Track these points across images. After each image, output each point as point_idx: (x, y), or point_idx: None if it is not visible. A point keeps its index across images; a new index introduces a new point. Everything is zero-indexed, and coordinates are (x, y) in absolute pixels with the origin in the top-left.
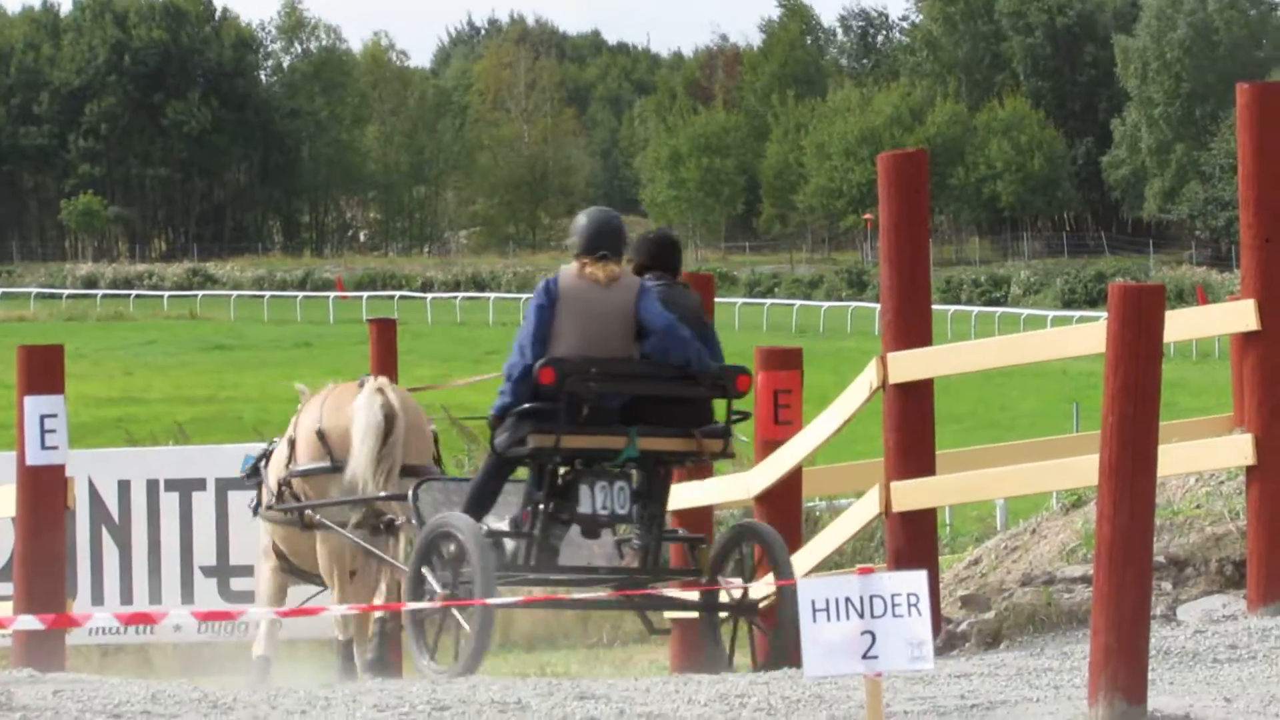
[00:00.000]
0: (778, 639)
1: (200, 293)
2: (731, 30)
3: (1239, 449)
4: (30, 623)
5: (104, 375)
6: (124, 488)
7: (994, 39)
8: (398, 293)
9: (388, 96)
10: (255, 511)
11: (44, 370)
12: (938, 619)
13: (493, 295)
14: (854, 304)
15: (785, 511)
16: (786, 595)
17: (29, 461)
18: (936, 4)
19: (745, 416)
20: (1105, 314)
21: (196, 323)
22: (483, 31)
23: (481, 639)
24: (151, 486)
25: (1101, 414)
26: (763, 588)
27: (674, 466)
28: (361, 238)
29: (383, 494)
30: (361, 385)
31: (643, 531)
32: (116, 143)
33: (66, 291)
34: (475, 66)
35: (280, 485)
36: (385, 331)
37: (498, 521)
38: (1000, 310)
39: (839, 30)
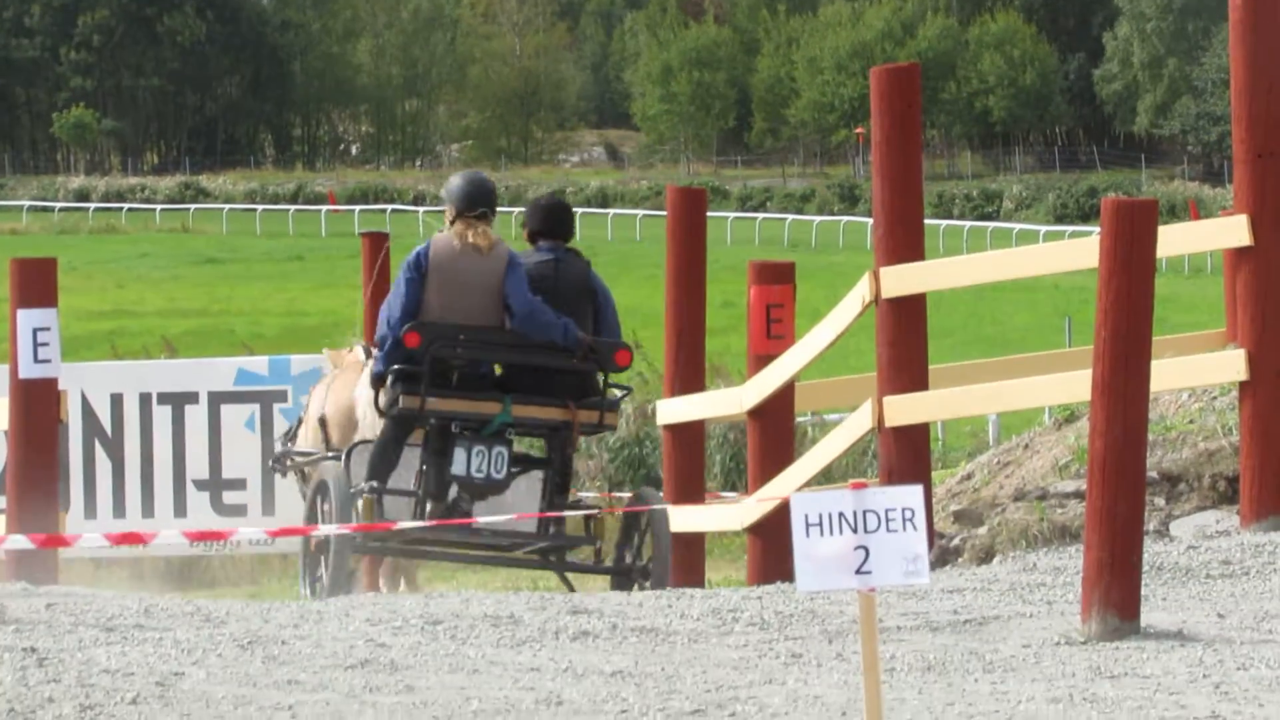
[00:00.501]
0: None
1: (192, 206)
2: None
3: (1232, 364)
4: (20, 542)
5: (96, 289)
6: (116, 401)
7: None
8: (390, 206)
9: (380, 10)
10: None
11: (37, 283)
12: (931, 534)
13: None
14: (846, 218)
15: (777, 426)
16: (658, 562)
17: (21, 375)
18: None
19: (628, 390)
20: (1098, 229)
21: (188, 236)
22: None
23: (337, 576)
24: (144, 400)
25: (1094, 329)
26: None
27: (567, 436)
28: (353, 151)
29: (326, 454)
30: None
31: (541, 500)
32: (109, 55)
33: (58, 205)
34: None
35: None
36: (377, 245)
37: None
38: (992, 225)
39: None
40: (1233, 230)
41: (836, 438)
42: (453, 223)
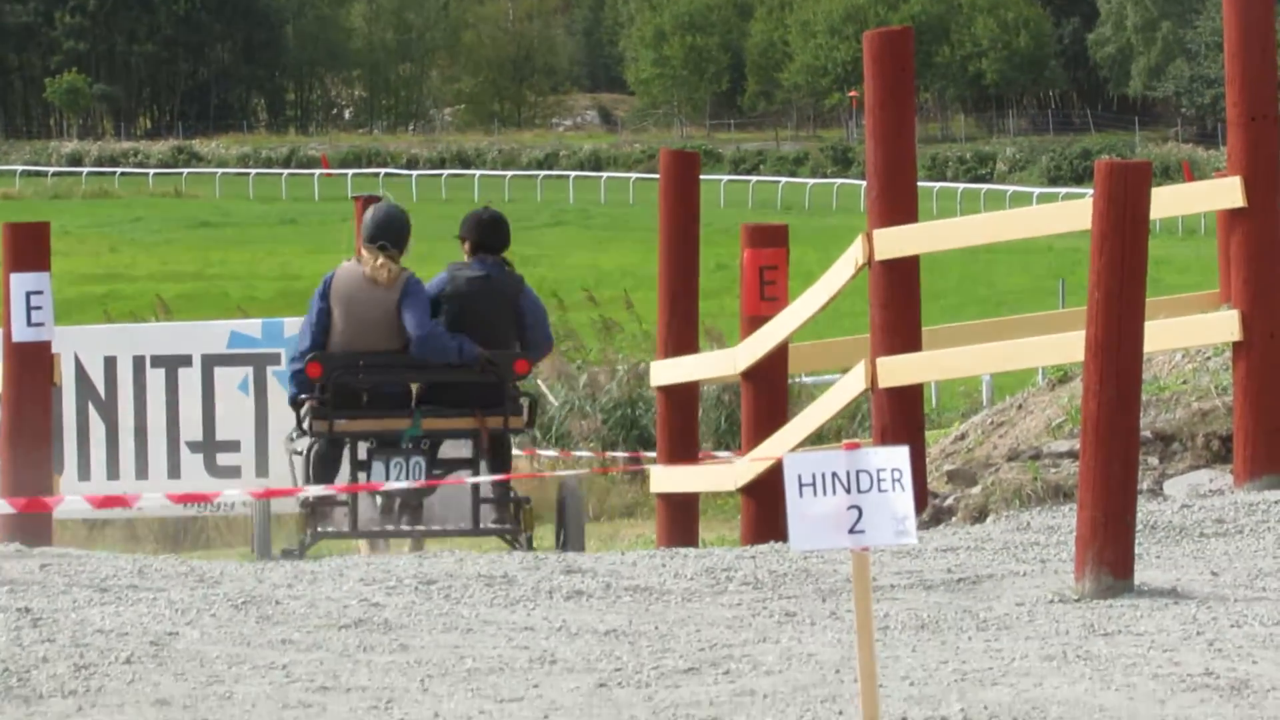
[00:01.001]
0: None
1: (185, 170)
2: None
3: (1226, 325)
4: (2, 506)
5: (89, 252)
6: (110, 364)
7: None
8: (382, 170)
9: None
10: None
11: (30, 247)
12: (924, 494)
13: (478, 172)
14: (839, 181)
15: (771, 387)
16: (572, 532)
17: (15, 338)
18: None
19: (531, 397)
20: (1092, 191)
21: (182, 200)
22: None
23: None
24: (138, 363)
25: (1088, 290)
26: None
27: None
28: (346, 115)
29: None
30: None
31: (471, 497)
32: (102, 20)
33: (52, 169)
34: None
35: None
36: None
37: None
38: (986, 187)
39: None
40: (1226, 192)
41: (829, 399)
42: (360, 252)
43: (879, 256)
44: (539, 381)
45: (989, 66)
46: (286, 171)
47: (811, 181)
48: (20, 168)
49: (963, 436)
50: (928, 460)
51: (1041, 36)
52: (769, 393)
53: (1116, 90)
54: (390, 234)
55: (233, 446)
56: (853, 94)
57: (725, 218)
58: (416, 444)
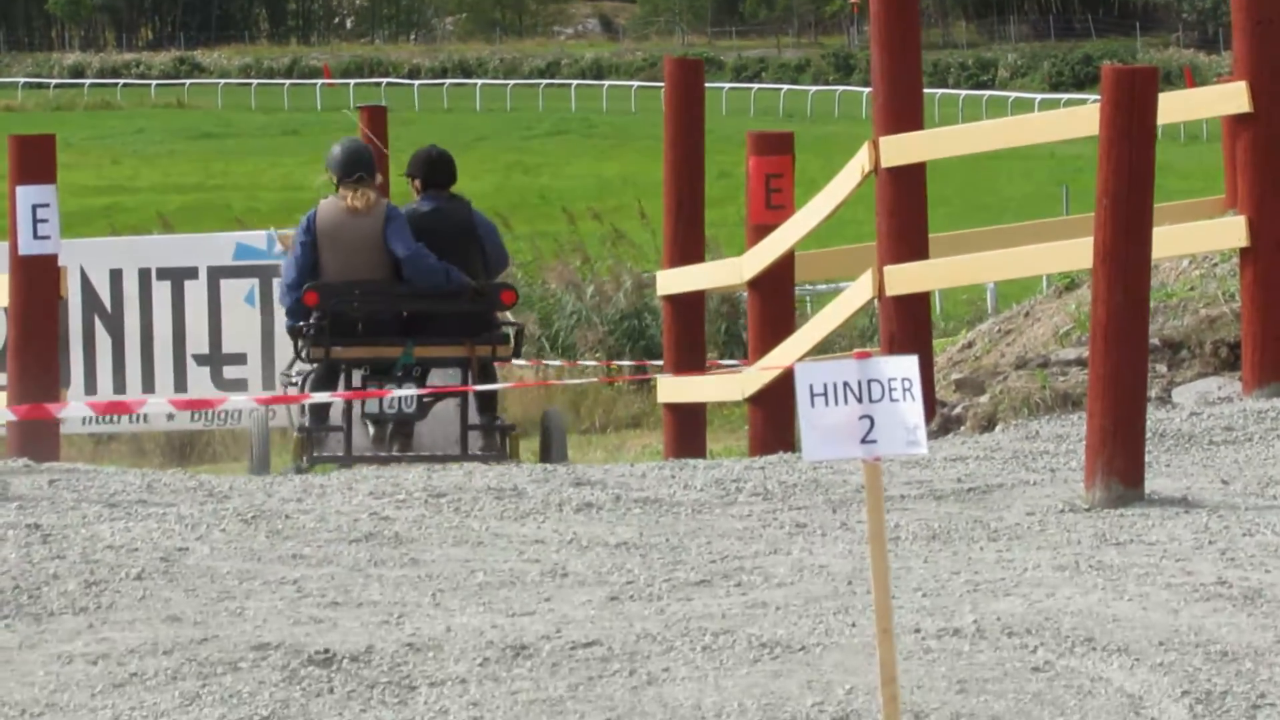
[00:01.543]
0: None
1: (187, 82)
2: None
3: (1233, 231)
4: (5, 415)
5: (92, 164)
6: (116, 277)
7: None
8: (384, 80)
9: None
10: None
11: (35, 160)
12: (932, 403)
13: (480, 81)
14: (841, 88)
15: (778, 295)
16: (556, 453)
17: (21, 251)
18: None
19: (520, 328)
20: (1094, 96)
21: (184, 111)
22: None
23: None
24: (144, 275)
25: (1095, 197)
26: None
27: (488, 370)
28: (348, 25)
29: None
30: None
31: (460, 423)
32: None
33: (54, 81)
34: None
35: None
36: (376, 118)
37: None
38: (988, 94)
39: None
40: (1233, 97)
41: (837, 307)
42: (337, 188)
43: (885, 164)
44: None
45: None
46: (288, 82)
47: (814, 89)
48: (22, 80)
49: (970, 345)
50: (935, 369)
51: None
52: (776, 301)
53: None
54: (364, 166)
55: (239, 359)
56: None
57: (727, 125)
58: (408, 371)
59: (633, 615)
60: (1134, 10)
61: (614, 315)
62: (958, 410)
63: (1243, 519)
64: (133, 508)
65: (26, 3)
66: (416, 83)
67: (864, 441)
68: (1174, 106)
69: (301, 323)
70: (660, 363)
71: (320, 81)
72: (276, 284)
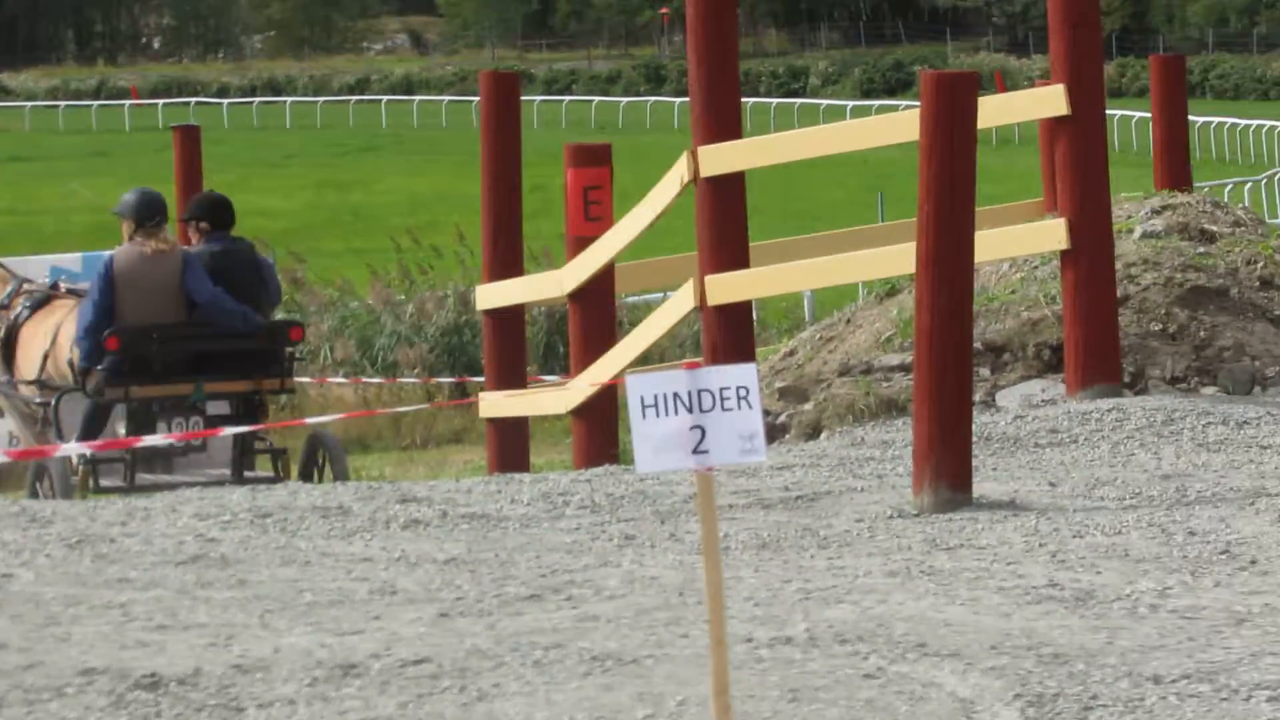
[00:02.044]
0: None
1: None
2: None
3: (1053, 233)
4: None
5: None
6: None
7: None
8: (194, 99)
9: None
10: None
11: None
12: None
13: (290, 99)
14: (652, 99)
15: (598, 307)
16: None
17: None
18: None
19: (300, 358)
20: (906, 103)
21: None
22: None
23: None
24: None
25: (918, 202)
26: (577, 392)
27: (255, 401)
28: (155, 45)
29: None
30: None
31: (235, 448)
32: None
33: None
34: None
35: None
36: (189, 138)
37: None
38: (799, 102)
39: None
40: (1050, 100)
41: (659, 318)
42: (132, 235)
43: (705, 173)
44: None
45: None
46: (97, 103)
47: (625, 100)
48: None
49: (792, 353)
50: (758, 377)
51: None
52: (597, 313)
53: (928, 1)
54: (160, 211)
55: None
56: (664, 11)
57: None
58: (194, 405)
59: (463, 631)
60: (944, 15)
61: (434, 333)
62: (782, 419)
63: (1071, 521)
64: None
65: None
66: (226, 101)
67: (696, 451)
68: (993, 111)
69: (95, 366)
70: (481, 379)
71: (129, 102)
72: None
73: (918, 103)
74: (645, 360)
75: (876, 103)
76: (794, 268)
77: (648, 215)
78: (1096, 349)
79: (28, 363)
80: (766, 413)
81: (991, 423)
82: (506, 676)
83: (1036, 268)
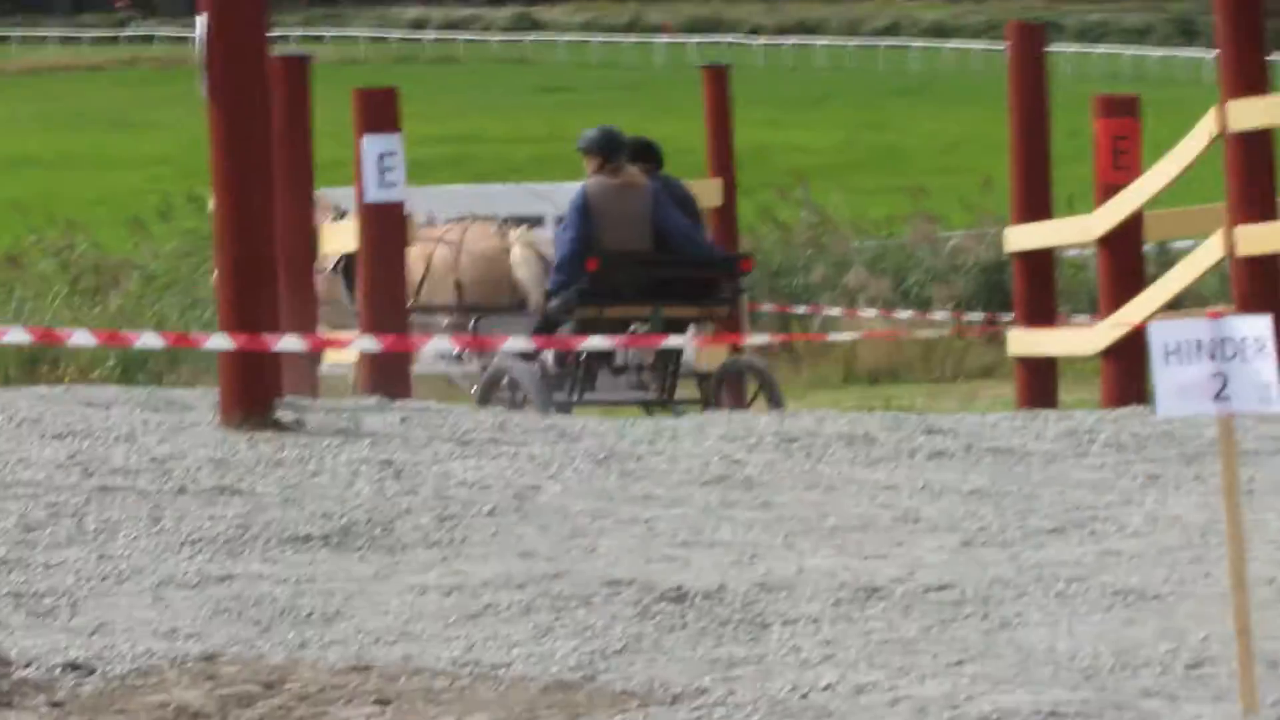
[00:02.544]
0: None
1: (529, 36)
2: None
3: None
4: (369, 344)
5: (437, 116)
6: None
7: None
8: (726, 37)
9: None
10: None
11: (381, 111)
12: None
13: (822, 40)
14: (1184, 52)
15: (1125, 253)
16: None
17: (367, 199)
18: None
19: (743, 291)
20: None
21: (526, 66)
22: None
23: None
24: None
25: None
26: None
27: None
28: None
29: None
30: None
31: (662, 370)
32: None
33: (395, 35)
34: None
35: None
36: (718, 79)
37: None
38: None
39: None
40: None
41: (1187, 265)
42: (599, 170)
43: (1232, 128)
44: None
45: None
46: (629, 38)
47: (1156, 52)
48: (364, 33)
49: None
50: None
51: None
52: (1126, 258)
53: None
54: (623, 147)
55: None
56: None
57: (1072, 87)
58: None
59: (986, 560)
60: None
61: (973, 269)
62: None
63: None
64: (484, 446)
65: None
66: (757, 41)
67: (1217, 398)
68: None
69: (563, 290)
70: (1011, 316)
71: (661, 38)
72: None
73: None
74: (1173, 306)
75: None
76: None
77: (1174, 167)
78: None
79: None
80: None
81: None
82: (1029, 606)
83: None
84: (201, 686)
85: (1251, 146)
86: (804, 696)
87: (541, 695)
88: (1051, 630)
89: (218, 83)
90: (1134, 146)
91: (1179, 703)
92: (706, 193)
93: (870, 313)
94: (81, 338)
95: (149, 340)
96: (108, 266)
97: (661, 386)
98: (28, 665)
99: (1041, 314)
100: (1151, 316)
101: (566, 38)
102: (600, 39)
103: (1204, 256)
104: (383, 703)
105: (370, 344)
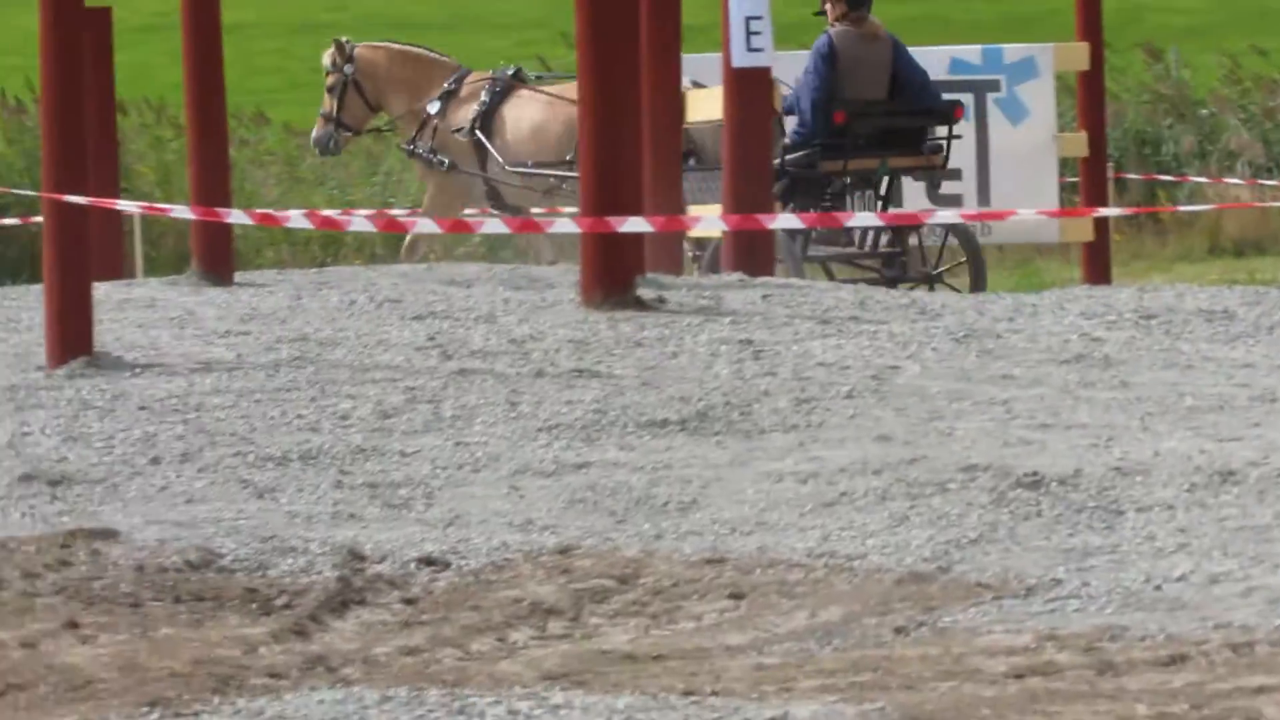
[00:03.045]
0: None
1: None
2: None
3: None
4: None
5: None
6: None
7: None
8: None
9: None
10: None
11: None
12: None
13: None
14: None
15: None
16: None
17: (734, 64)
18: None
19: (958, 137)
20: None
21: None
22: None
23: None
24: None
25: None
26: None
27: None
28: None
29: None
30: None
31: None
32: None
33: None
34: None
35: None
36: None
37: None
38: None
39: None
40: None
41: None
42: (841, 18)
43: None
44: None
45: None
46: None
47: None
48: None
49: None
50: None
51: None
52: None
53: None
54: (868, 3)
55: (953, 174)
56: None
57: None
58: (878, 181)
59: None
60: None
61: None
62: None
63: None
64: (844, 324)
65: None
66: None
67: None
68: None
69: (817, 140)
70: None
71: None
72: (789, 97)
73: None
74: None
75: None
76: None
77: None
78: None
79: (521, 147)
80: None
81: None
82: None
83: None
84: (556, 580)
85: None
86: (1158, 588)
87: (896, 587)
88: None
89: None
90: None
91: None
92: (1072, 57)
93: (1237, 180)
94: (360, 224)
95: (494, 226)
96: None
97: (893, 249)
98: (382, 560)
99: None
100: None
101: None
102: None
103: None
104: (737, 597)
105: (716, 223)
